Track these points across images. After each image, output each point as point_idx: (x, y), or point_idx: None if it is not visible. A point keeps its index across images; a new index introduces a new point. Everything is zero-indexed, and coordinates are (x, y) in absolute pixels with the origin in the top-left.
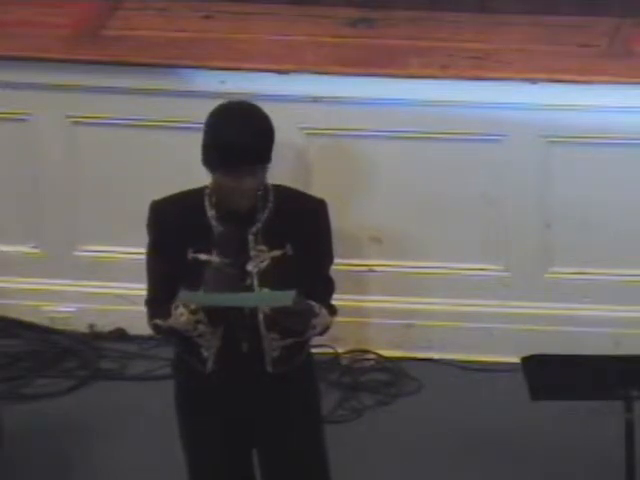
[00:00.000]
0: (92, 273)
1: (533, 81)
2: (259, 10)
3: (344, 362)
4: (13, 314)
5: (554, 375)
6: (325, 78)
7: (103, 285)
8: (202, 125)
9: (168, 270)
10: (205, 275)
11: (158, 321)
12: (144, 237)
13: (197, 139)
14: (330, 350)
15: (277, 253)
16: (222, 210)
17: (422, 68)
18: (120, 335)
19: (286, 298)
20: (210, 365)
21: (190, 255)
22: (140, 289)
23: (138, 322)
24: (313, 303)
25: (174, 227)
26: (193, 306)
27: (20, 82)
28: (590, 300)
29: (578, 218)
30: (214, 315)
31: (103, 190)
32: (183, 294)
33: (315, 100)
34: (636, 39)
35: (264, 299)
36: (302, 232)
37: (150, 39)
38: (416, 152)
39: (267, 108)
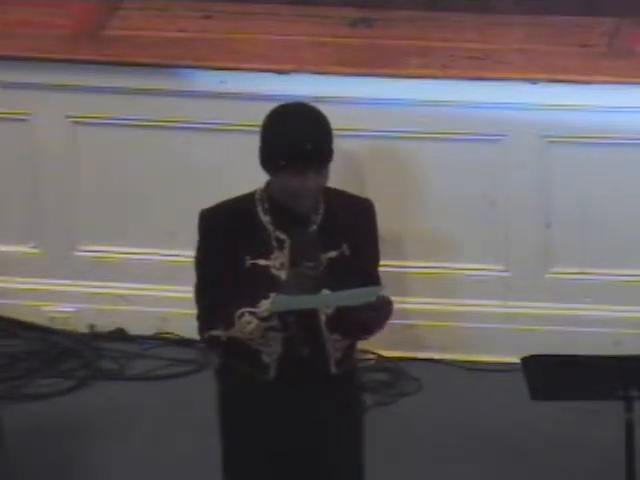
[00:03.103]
0: (92, 273)
1: (533, 81)
2: (259, 10)
3: None
4: (13, 314)
5: (554, 375)
6: (325, 78)
7: (103, 285)
8: (204, 125)
9: (224, 280)
10: (287, 279)
11: (216, 332)
12: (144, 237)
13: (197, 139)
14: None
15: (333, 254)
16: (276, 214)
17: (422, 68)
18: (120, 335)
19: (371, 294)
20: (272, 372)
21: (248, 262)
22: (140, 289)
23: (138, 322)
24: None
25: (228, 235)
26: (267, 313)
27: (20, 82)
28: (590, 300)
29: (578, 218)
30: (288, 319)
31: (103, 190)
32: (279, 298)
33: (315, 100)
34: (636, 39)
35: (352, 297)
36: (356, 232)
37: (150, 39)
38: (416, 152)
39: (267, 108)
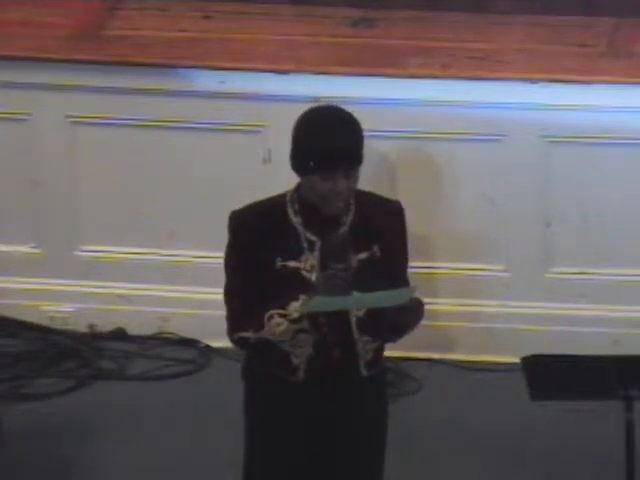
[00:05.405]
0: (92, 273)
1: (533, 81)
2: (259, 10)
3: None
4: (13, 314)
5: (554, 375)
6: (325, 78)
7: (103, 285)
8: (204, 125)
9: (253, 281)
10: (317, 281)
11: (246, 334)
12: (144, 237)
13: (197, 139)
14: None
15: (364, 255)
16: (307, 215)
17: (422, 68)
18: (120, 335)
19: (404, 295)
20: (301, 373)
21: (279, 263)
22: (140, 289)
23: (138, 322)
24: (420, 299)
25: (258, 237)
26: (297, 314)
27: (20, 82)
28: (590, 300)
29: (578, 218)
30: (318, 322)
31: (103, 190)
32: (311, 300)
33: (315, 100)
34: (636, 39)
35: (385, 298)
36: (386, 233)
37: (150, 39)
38: (416, 152)
39: (267, 108)
